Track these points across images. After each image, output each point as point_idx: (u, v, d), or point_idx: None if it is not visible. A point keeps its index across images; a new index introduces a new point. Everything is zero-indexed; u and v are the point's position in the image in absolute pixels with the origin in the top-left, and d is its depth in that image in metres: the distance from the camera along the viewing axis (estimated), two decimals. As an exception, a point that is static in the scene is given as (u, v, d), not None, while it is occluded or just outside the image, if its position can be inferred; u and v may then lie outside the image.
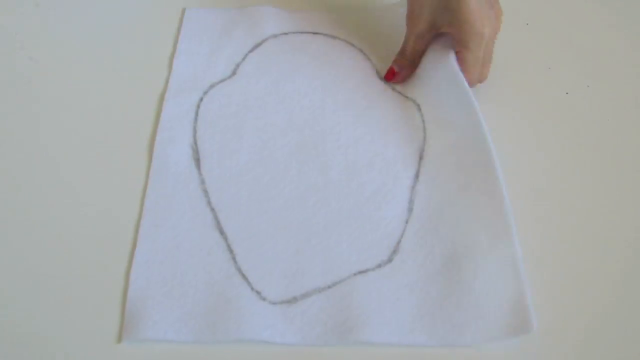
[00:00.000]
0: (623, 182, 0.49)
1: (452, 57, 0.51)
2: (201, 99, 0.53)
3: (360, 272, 0.44)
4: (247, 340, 0.40)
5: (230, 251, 0.44)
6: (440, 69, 0.52)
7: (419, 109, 0.53)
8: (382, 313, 0.42)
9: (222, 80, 0.55)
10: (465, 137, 0.49)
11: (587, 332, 0.42)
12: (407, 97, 0.54)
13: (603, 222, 0.47)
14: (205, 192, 0.47)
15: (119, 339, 0.41)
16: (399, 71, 0.55)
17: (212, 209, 0.46)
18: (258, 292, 0.43)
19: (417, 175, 0.49)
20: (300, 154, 0.50)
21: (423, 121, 0.52)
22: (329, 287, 0.43)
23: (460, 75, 0.51)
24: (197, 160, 0.49)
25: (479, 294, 0.42)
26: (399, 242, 0.45)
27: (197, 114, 0.52)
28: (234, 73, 0.55)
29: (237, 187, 0.48)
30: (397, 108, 0.53)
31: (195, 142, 0.50)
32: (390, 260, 0.44)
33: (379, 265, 0.44)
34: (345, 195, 0.47)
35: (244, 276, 0.43)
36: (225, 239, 0.45)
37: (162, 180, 0.48)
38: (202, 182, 0.48)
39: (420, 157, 0.50)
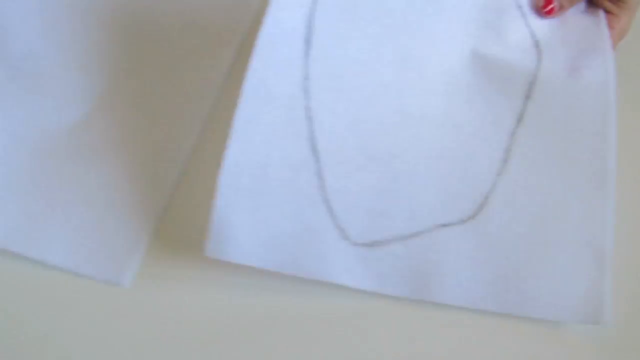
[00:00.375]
0: (623, 182, 0.50)
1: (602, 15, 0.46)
2: None
3: (443, 225, 0.41)
4: (327, 281, 0.39)
5: (319, 175, 0.41)
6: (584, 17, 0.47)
7: (537, 45, 0.46)
8: (458, 274, 0.40)
9: None
10: (585, 87, 0.43)
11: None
12: (531, 28, 0.46)
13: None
14: (307, 91, 0.41)
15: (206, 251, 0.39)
16: (560, 10, 0.47)
17: (309, 117, 0.41)
18: (342, 230, 0.40)
19: (520, 117, 0.43)
20: (405, 70, 0.44)
21: (539, 57, 0.45)
22: (410, 236, 0.40)
23: (606, 31, 0.46)
24: (308, 43, 0.42)
25: (558, 269, 0.40)
26: (486, 198, 0.41)
27: None
28: None
29: (338, 93, 0.42)
30: (514, 38, 0.46)
31: (312, 15, 0.43)
32: (474, 216, 0.41)
33: (463, 221, 0.41)
34: (440, 134, 0.43)
35: (329, 207, 0.40)
36: (317, 158, 0.41)
37: (266, 65, 0.41)
38: (307, 77, 0.42)
39: (527, 96, 0.44)
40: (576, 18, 0.47)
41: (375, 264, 0.40)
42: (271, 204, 0.39)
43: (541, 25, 0.47)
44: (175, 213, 0.44)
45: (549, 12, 0.47)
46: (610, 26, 0.47)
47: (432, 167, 0.42)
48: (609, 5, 0.48)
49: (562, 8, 0.47)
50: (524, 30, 0.46)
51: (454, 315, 0.40)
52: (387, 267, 0.40)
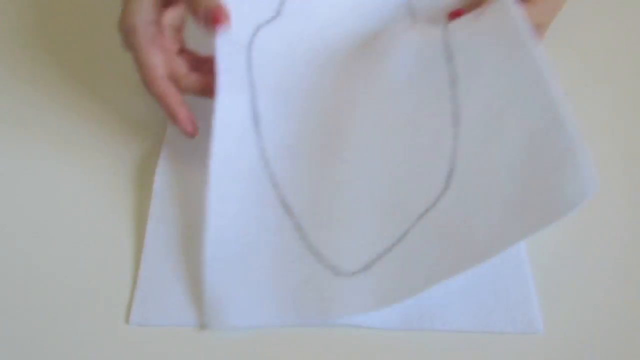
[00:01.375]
0: (624, 181, 0.49)
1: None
2: (251, 42, 0.48)
3: (421, 216, 0.42)
4: (332, 322, 0.40)
5: (298, 228, 0.43)
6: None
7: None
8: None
9: (268, 22, 0.50)
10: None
11: (594, 333, 0.42)
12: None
13: (603, 222, 0.47)
14: (267, 161, 0.45)
15: (203, 326, 0.40)
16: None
17: (275, 184, 0.45)
18: (333, 267, 0.42)
19: (455, 115, 0.44)
20: (352, 117, 0.47)
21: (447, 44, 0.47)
22: (398, 241, 0.41)
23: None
24: (256, 120, 0.46)
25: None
26: (453, 161, 0.43)
27: (250, 61, 0.47)
28: (278, 13, 0.50)
29: (296, 159, 0.46)
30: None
31: (254, 100, 0.47)
32: (447, 186, 0.42)
33: (438, 199, 0.42)
34: (393, 140, 0.45)
35: (316, 253, 0.42)
36: (293, 214, 0.44)
37: (225, 147, 0.44)
38: (263, 149, 0.45)
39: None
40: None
41: (375, 284, 0.40)
42: (260, 266, 0.42)
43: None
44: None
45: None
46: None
47: (395, 164, 0.44)
48: None
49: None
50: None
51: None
52: (386, 281, 0.40)
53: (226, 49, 0.45)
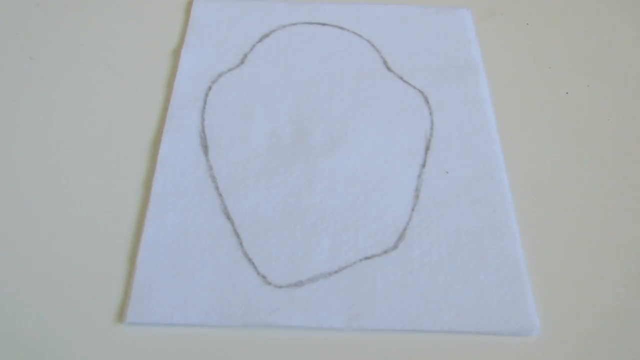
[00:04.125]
0: (623, 182, 0.49)
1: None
2: (210, 88, 0.54)
3: (367, 258, 0.44)
4: (253, 326, 0.41)
5: (237, 236, 0.45)
6: (452, 64, 0.56)
7: (427, 101, 0.54)
8: (388, 299, 0.42)
9: (230, 70, 0.56)
10: (472, 130, 0.51)
11: (591, 335, 0.42)
12: (414, 87, 0.55)
13: (604, 221, 0.47)
14: (213, 177, 0.48)
15: (121, 319, 0.41)
16: None
17: (220, 194, 0.48)
18: (264, 277, 0.43)
19: (423, 165, 0.49)
20: (308, 141, 0.51)
21: (430, 113, 0.53)
22: (335, 272, 0.44)
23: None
24: (205, 148, 0.50)
25: (483, 286, 0.43)
26: (405, 229, 0.46)
27: (205, 102, 0.53)
28: (242, 62, 0.57)
29: (244, 173, 0.49)
30: (405, 98, 0.54)
31: (203, 130, 0.51)
32: (396, 246, 0.45)
33: (385, 252, 0.45)
34: (352, 182, 0.48)
35: (250, 261, 0.44)
36: (232, 223, 0.46)
37: (170, 166, 0.49)
38: (210, 168, 0.49)
39: (427, 148, 0.51)
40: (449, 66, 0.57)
41: (304, 301, 0.42)
42: (191, 267, 0.44)
43: (424, 83, 0.55)
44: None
45: None
46: None
47: (349, 210, 0.47)
48: None
49: None
50: (412, 91, 0.55)
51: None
52: (316, 302, 0.42)
53: (181, 99, 0.53)
